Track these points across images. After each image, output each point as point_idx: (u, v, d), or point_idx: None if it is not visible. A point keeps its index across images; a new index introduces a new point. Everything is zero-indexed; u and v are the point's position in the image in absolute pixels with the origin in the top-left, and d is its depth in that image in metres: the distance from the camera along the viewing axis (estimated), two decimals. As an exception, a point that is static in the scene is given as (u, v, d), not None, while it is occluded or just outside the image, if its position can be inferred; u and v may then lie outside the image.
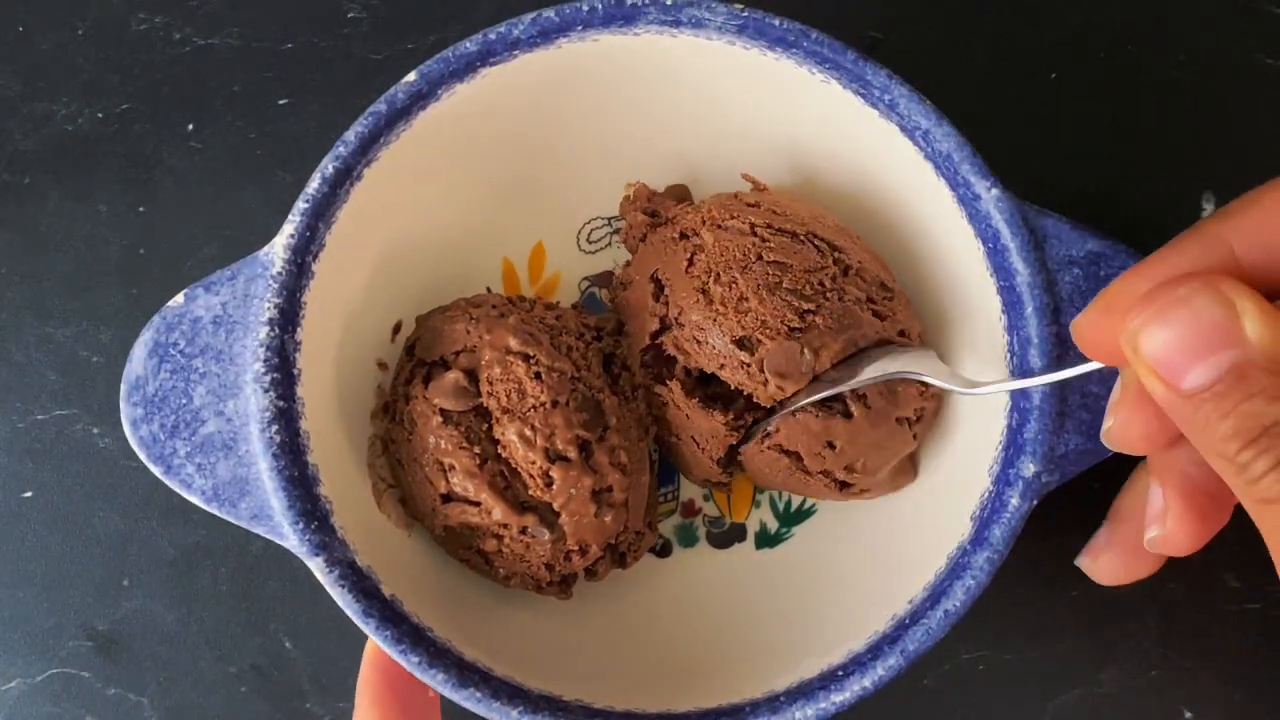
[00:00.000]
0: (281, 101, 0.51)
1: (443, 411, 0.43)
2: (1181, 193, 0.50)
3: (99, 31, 0.52)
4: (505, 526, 0.43)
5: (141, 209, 0.51)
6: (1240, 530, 0.48)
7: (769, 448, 0.43)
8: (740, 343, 0.41)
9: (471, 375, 0.43)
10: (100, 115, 0.51)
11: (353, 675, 0.48)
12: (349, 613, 0.40)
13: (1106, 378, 0.41)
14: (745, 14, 0.41)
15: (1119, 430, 0.36)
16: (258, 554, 0.49)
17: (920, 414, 0.44)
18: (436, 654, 0.40)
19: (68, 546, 0.50)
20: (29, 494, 0.50)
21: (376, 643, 0.40)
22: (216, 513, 0.41)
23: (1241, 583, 0.49)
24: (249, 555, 0.49)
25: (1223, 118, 0.51)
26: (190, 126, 0.51)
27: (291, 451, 0.40)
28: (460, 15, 0.43)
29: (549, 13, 0.41)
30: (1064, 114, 0.51)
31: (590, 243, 0.49)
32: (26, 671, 0.49)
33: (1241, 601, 0.49)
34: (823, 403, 0.42)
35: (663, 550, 0.48)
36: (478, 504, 0.43)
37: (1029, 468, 0.40)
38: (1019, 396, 0.40)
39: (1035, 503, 0.40)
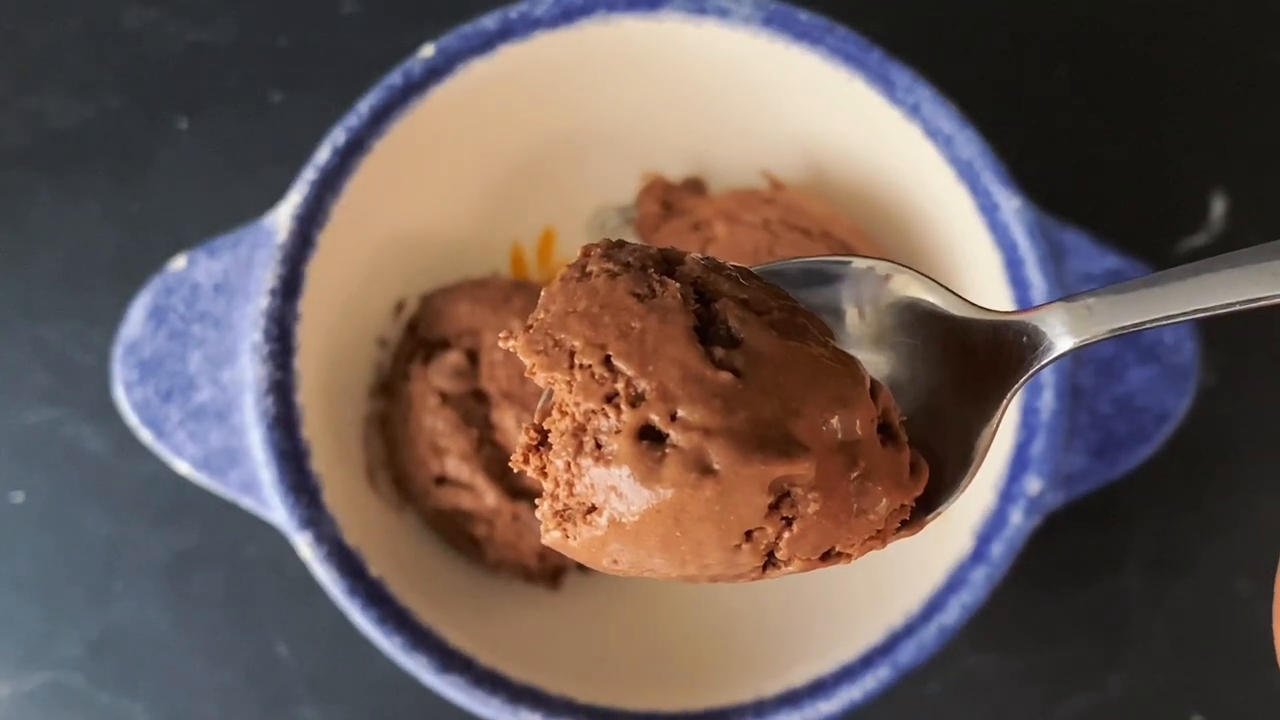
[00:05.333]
0: (276, 97, 0.50)
1: (441, 393, 0.43)
2: (1191, 191, 0.50)
3: (91, 26, 0.51)
4: (498, 512, 0.42)
5: (134, 206, 0.50)
6: (1250, 534, 0.48)
7: None
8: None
9: (472, 358, 0.43)
10: (92, 111, 0.51)
11: (348, 679, 0.48)
12: (334, 591, 0.39)
13: (1117, 396, 0.40)
14: (771, 6, 0.40)
15: None
16: (252, 558, 0.48)
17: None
18: (420, 638, 0.39)
19: (58, 550, 0.49)
20: (18, 496, 0.49)
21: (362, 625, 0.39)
22: (205, 481, 0.41)
23: (1251, 587, 0.48)
24: (243, 559, 0.48)
25: (1233, 116, 0.50)
26: (184, 123, 0.50)
27: (285, 424, 0.40)
28: (458, 11, 0.43)
29: (573, -8, 0.40)
30: (1072, 111, 0.50)
31: (601, 231, 0.48)
32: (16, 678, 0.48)
33: (1251, 605, 0.48)
34: None
35: (657, 547, 0.47)
36: (471, 488, 0.42)
37: (1034, 485, 0.39)
38: (1028, 413, 0.40)
39: (1038, 521, 0.39)
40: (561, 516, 0.23)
